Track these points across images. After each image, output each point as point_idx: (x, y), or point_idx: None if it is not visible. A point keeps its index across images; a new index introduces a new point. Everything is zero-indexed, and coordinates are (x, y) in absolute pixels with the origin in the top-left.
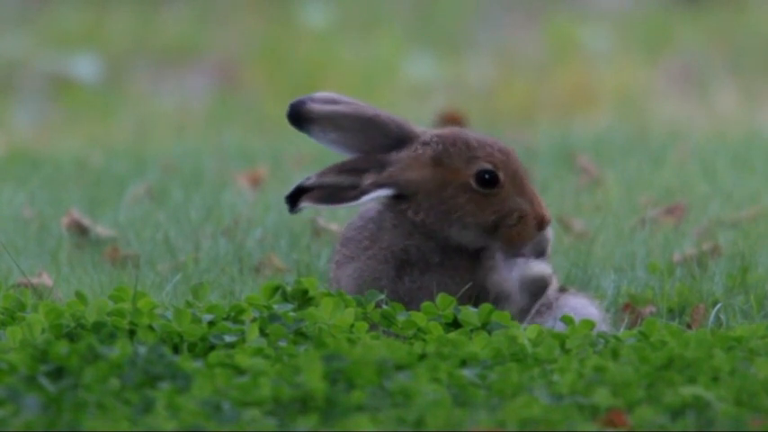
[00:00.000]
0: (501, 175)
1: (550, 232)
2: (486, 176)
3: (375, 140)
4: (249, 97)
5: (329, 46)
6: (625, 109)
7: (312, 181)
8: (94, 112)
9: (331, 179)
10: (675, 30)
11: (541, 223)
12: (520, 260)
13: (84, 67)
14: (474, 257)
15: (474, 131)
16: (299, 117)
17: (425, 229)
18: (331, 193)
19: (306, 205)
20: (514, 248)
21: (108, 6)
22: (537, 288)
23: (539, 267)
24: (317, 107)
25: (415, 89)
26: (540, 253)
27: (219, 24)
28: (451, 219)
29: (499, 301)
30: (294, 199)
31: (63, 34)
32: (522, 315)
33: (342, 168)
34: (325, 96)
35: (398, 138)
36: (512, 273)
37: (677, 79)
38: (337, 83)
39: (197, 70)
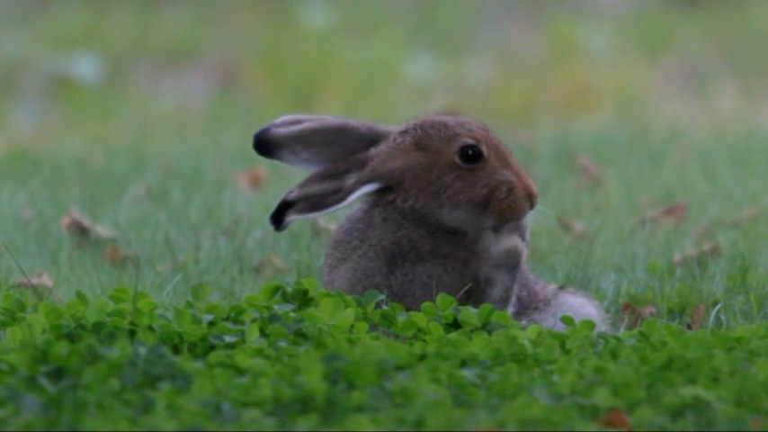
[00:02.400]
0: (484, 149)
1: (528, 219)
2: (470, 152)
3: (348, 147)
4: (249, 97)
5: (329, 46)
6: (625, 109)
7: (295, 194)
8: (94, 112)
9: (314, 188)
10: (675, 30)
11: (531, 197)
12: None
13: (84, 67)
14: (464, 245)
15: (449, 115)
16: (266, 145)
17: (416, 216)
18: (316, 202)
19: (292, 219)
20: (507, 221)
21: (108, 6)
22: (512, 260)
23: (508, 240)
24: (282, 131)
25: (416, 89)
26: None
27: (219, 24)
28: (441, 199)
29: (486, 285)
30: (279, 214)
31: (63, 34)
32: (506, 294)
33: (323, 175)
34: (288, 119)
35: (371, 139)
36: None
37: (677, 79)
38: (337, 83)
39: (197, 70)
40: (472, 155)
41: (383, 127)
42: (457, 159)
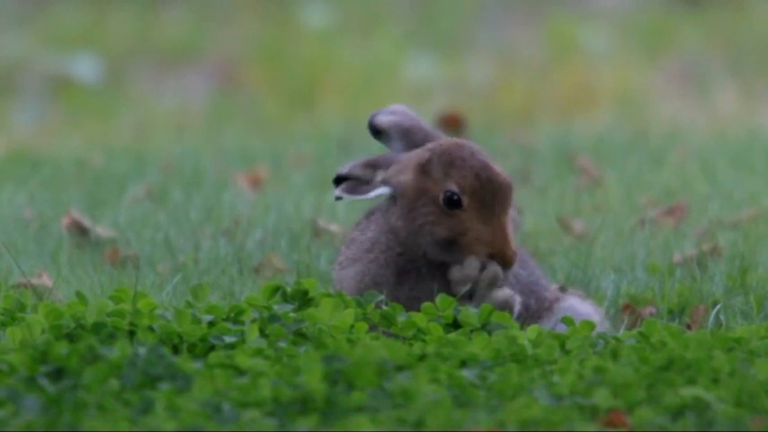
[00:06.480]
0: (465, 200)
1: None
2: (453, 197)
3: (412, 149)
4: (249, 97)
5: (329, 46)
6: (625, 109)
7: (345, 170)
8: (94, 112)
9: (358, 171)
10: (675, 30)
11: (501, 258)
12: (481, 286)
13: (84, 67)
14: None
15: (476, 148)
16: (372, 128)
17: (400, 238)
18: (354, 186)
19: (338, 195)
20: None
21: (108, 6)
22: (505, 310)
23: (502, 292)
24: (382, 118)
25: (416, 89)
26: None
27: (219, 24)
28: (415, 225)
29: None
30: (336, 183)
31: (63, 34)
32: None
33: (367, 163)
34: (393, 108)
35: (421, 145)
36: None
37: (677, 79)
38: (337, 83)
39: (197, 70)
40: (453, 200)
41: (437, 135)
42: (440, 198)
